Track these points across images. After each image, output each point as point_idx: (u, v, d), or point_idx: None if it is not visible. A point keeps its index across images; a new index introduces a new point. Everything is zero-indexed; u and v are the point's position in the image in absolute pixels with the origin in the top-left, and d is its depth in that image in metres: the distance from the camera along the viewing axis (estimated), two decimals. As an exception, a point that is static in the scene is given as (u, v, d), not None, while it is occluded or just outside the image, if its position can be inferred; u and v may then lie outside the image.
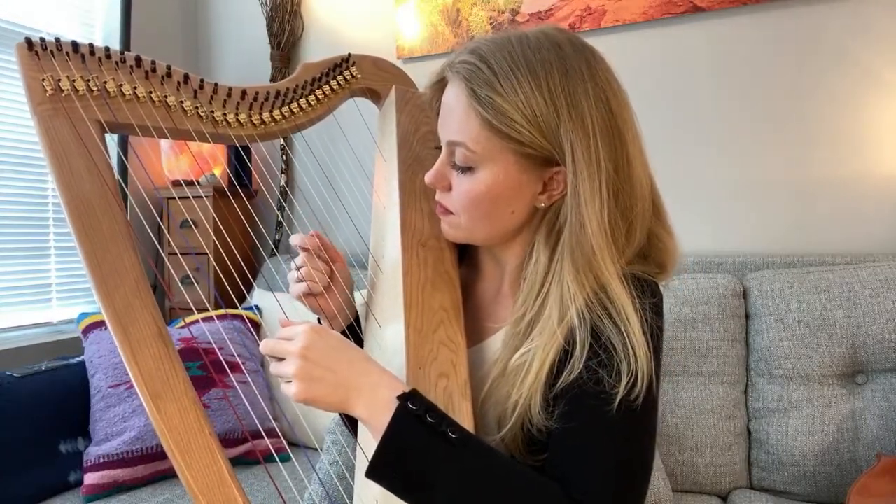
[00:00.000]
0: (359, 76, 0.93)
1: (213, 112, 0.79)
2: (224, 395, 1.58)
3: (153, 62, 0.76)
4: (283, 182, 2.23)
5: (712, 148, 1.67)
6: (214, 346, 1.65)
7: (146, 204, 2.06)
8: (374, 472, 0.59)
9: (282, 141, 2.17)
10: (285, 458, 1.53)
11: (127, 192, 1.74)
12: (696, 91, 1.68)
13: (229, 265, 1.02)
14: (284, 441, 1.24)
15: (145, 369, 0.61)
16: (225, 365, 1.62)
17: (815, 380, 1.36)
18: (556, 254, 0.70)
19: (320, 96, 0.88)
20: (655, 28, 1.71)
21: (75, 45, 0.72)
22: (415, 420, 0.59)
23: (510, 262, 0.78)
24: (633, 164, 0.69)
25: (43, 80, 0.69)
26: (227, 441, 1.56)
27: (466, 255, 0.86)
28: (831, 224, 1.56)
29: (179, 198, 2.05)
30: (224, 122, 0.80)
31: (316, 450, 1.56)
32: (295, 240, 0.81)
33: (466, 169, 0.71)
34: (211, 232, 1.96)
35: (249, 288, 2.04)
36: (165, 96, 0.76)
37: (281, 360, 0.63)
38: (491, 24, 1.90)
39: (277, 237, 2.23)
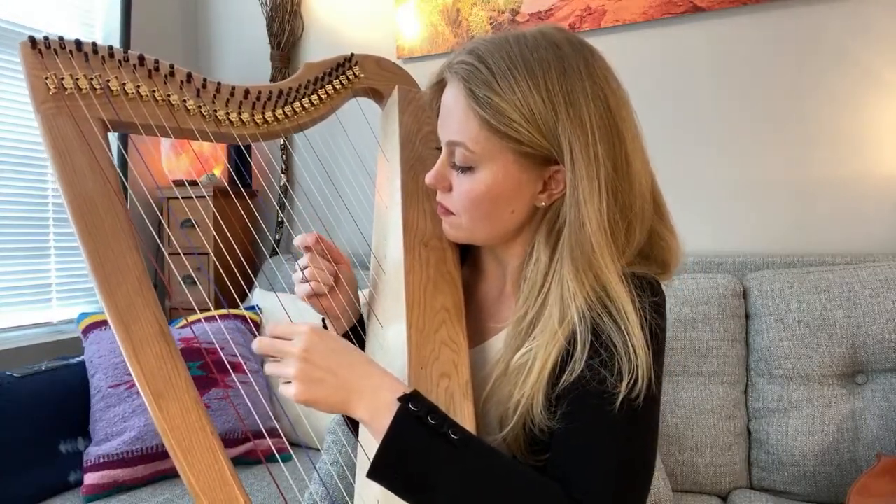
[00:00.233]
0: (361, 76, 0.94)
1: (215, 111, 0.79)
2: (225, 395, 1.58)
3: (156, 61, 0.76)
4: (283, 181, 2.23)
5: (712, 148, 1.67)
6: (216, 345, 1.64)
7: (147, 203, 2.06)
8: (375, 474, 0.59)
9: (282, 140, 2.17)
10: (286, 458, 1.53)
11: (129, 189, 1.73)
12: (696, 91, 1.68)
13: (231, 264, 1.02)
14: (286, 440, 1.24)
15: (147, 368, 0.61)
16: (227, 364, 1.62)
17: (815, 380, 1.36)
18: (556, 253, 0.70)
19: (323, 96, 0.88)
20: (655, 28, 1.71)
21: (79, 44, 0.72)
22: (416, 421, 0.59)
23: (511, 263, 0.78)
24: (633, 162, 0.69)
25: (46, 78, 0.69)
26: (227, 441, 1.56)
27: (469, 256, 0.86)
28: (831, 224, 1.57)
29: (180, 197, 2.05)
30: (227, 122, 0.80)
31: (317, 449, 1.56)
32: (298, 240, 0.81)
33: (466, 169, 0.71)
34: (212, 231, 1.96)
35: (250, 287, 2.04)
36: (168, 95, 0.76)
37: (278, 359, 0.63)
38: (491, 24, 1.90)
39: (278, 237, 2.23)
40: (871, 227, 1.53)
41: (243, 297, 2.00)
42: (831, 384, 1.36)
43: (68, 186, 0.65)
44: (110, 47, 0.74)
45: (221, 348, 1.66)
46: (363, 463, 0.67)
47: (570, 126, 0.66)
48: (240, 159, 2.16)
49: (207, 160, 2.11)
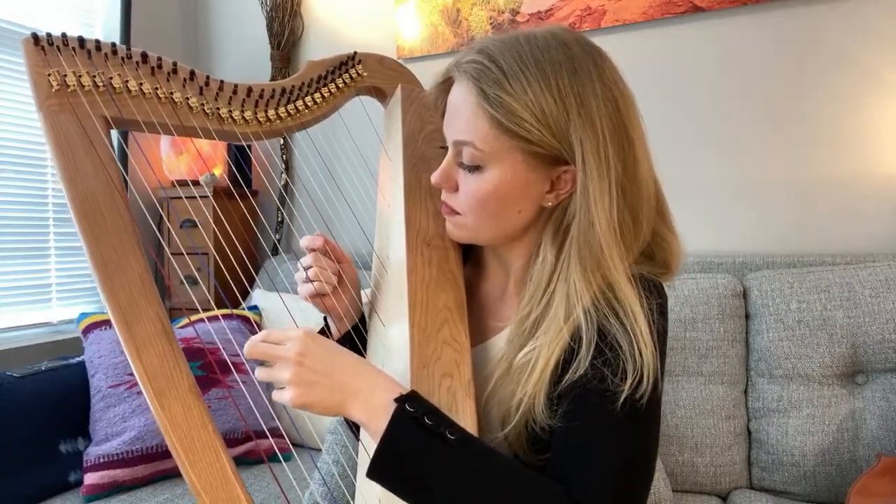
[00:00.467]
0: (364, 74, 0.93)
1: (218, 109, 0.79)
2: (227, 395, 1.57)
3: (159, 58, 0.76)
4: (284, 180, 2.23)
5: (712, 148, 1.68)
6: (218, 344, 1.64)
7: (148, 203, 2.06)
8: (373, 474, 0.59)
9: (282, 140, 2.17)
10: (288, 457, 1.53)
11: (131, 187, 1.73)
12: (696, 91, 1.69)
13: (234, 263, 1.02)
14: (287, 440, 1.24)
15: (150, 367, 0.61)
16: (228, 363, 1.61)
17: (815, 380, 1.36)
18: (562, 253, 0.70)
19: (326, 94, 0.88)
20: (655, 28, 1.72)
21: (81, 41, 0.72)
22: (412, 422, 0.58)
23: (515, 263, 0.78)
24: (640, 164, 0.69)
25: (49, 75, 0.69)
26: (229, 440, 1.56)
27: (470, 255, 0.86)
28: (831, 224, 1.57)
29: (182, 198, 2.05)
30: (229, 120, 0.80)
31: (318, 449, 1.56)
32: (305, 242, 0.81)
33: (474, 168, 0.70)
34: (214, 230, 1.96)
35: (251, 286, 2.03)
36: (171, 93, 0.76)
37: (271, 365, 0.62)
38: (491, 24, 1.90)
39: (278, 236, 2.22)
40: (871, 227, 1.54)
41: (244, 296, 2.00)
42: (831, 384, 1.36)
43: (71, 184, 0.65)
44: (113, 44, 0.74)
45: (223, 348, 1.66)
46: (364, 462, 0.67)
47: (582, 127, 0.66)
48: (240, 158, 2.16)
49: (208, 159, 2.11)
